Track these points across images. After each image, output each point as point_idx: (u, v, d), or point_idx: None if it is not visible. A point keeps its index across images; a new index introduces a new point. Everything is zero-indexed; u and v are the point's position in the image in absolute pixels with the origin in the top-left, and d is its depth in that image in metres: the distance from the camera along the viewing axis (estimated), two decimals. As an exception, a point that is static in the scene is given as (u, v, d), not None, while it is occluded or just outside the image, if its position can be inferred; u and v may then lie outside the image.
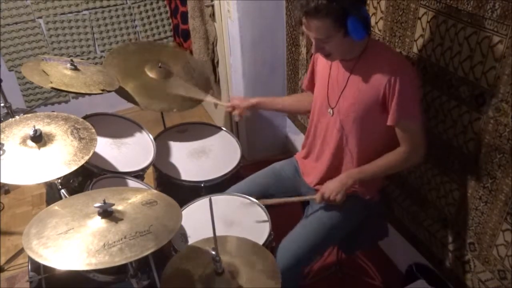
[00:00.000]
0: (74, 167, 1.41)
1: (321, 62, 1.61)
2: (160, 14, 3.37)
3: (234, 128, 2.94)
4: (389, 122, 1.42)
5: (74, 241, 1.14)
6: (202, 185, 1.87)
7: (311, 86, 1.72)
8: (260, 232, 1.53)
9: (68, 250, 1.12)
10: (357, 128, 1.50)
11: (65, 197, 1.69)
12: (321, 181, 1.64)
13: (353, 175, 1.53)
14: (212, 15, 2.65)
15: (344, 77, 1.48)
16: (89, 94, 2.06)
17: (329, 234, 1.59)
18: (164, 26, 3.42)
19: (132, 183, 1.77)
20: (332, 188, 1.52)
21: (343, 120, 1.52)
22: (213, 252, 1.17)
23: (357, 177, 1.53)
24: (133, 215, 1.25)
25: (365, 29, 1.31)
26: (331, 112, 1.55)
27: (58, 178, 1.68)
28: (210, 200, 1.16)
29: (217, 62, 2.86)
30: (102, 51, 3.27)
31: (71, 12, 3.05)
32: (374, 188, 1.66)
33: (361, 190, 1.63)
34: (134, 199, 1.33)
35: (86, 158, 1.45)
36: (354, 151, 1.55)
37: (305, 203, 1.74)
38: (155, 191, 1.45)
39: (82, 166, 1.44)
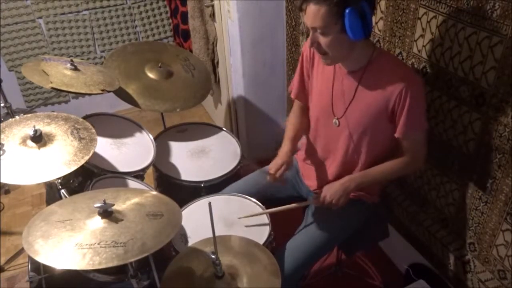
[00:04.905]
0: (74, 167, 1.41)
1: (327, 70, 1.54)
2: (160, 14, 3.37)
3: (234, 128, 2.94)
4: (397, 135, 1.43)
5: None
6: (202, 185, 1.87)
7: (303, 96, 1.67)
8: (260, 232, 1.53)
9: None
10: (367, 139, 1.49)
11: (65, 197, 1.69)
12: (323, 187, 1.62)
13: (356, 179, 1.51)
14: (212, 15, 2.65)
15: (352, 87, 1.45)
16: (89, 94, 2.06)
17: (332, 238, 1.60)
18: (164, 26, 3.42)
19: (132, 183, 1.77)
20: (334, 192, 1.49)
21: (352, 132, 1.50)
22: (213, 256, 1.17)
23: (359, 181, 1.51)
24: (127, 222, 1.21)
25: (362, 29, 1.27)
26: (337, 122, 1.52)
27: (58, 178, 1.68)
28: (210, 205, 1.14)
29: (217, 62, 2.86)
30: (102, 51, 3.27)
31: (71, 12, 3.04)
32: (376, 192, 1.67)
33: (364, 195, 1.63)
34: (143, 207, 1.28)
35: (86, 158, 1.45)
36: (362, 160, 1.54)
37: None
38: (175, 206, 1.34)
39: (82, 166, 1.44)
